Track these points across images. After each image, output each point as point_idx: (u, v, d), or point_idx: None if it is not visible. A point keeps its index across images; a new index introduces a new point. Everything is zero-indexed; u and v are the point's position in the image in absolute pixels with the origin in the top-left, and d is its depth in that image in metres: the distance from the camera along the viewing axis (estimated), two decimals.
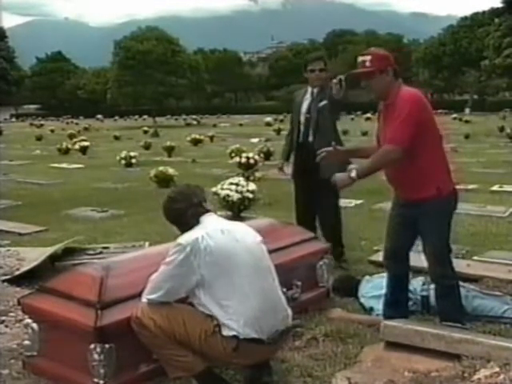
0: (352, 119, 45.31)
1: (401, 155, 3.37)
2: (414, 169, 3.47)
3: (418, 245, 5.67)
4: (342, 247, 5.33)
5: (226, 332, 2.81)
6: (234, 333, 2.80)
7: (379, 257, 5.24)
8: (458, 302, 3.68)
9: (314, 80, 5.20)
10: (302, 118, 5.27)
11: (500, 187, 9.93)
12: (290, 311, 3.10)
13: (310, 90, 5.29)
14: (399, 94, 3.45)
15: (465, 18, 78.77)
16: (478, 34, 68.43)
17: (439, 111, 64.04)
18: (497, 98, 65.22)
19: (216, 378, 3.00)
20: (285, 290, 3.76)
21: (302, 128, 5.28)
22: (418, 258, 5.26)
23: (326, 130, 5.11)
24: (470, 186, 10.04)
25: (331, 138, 4.70)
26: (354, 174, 3.40)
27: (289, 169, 5.54)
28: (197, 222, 3.03)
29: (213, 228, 2.96)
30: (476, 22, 73.53)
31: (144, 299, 2.92)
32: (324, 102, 5.09)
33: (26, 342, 3.28)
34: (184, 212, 3.08)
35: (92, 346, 2.90)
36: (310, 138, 5.20)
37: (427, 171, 3.49)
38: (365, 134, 25.76)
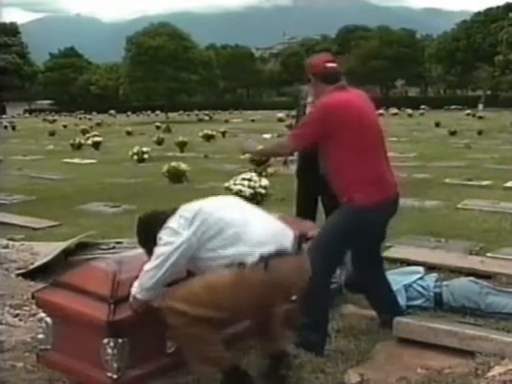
0: None
1: (289, 150, 3.76)
2: (331, 172, 3.51)
3: (430, 241, 5.65)
4: None
5: (250, 259, 2.72)
6: (258, 254, 2.72)
7: (391, 253, 5.23)
8: (320, 320, 3.51)
9: None
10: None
11: None
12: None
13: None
14: (321, 99, 3.50)
15: (478, 13, 78.14)
16: (491, 29, 67.91)
17: (452, 107, 63.91)
18: (510, 93, 64.69)
19: (244, 376, 2.93)
20: None
21: None
22: (430, 255, 5.26)
23: None
24: (484, 183, 9.99)
25: None
26: (259, 147, 3.81)
27: (293, 164, 5.50)
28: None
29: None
30: (489, 17, 72.94)
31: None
32: None
33: (40, 336, 3.30)
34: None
35: (105, 340, 2.91)
36: None
37: (341, 178, 3.43)
38: None
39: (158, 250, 2.82)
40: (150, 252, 2.92)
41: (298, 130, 3.58)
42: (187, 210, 2.95)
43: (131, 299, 2.92)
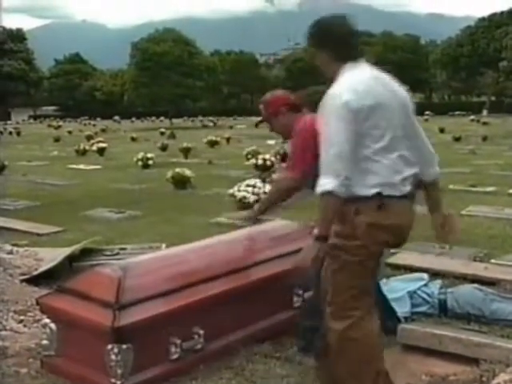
0: None
1: (295, 183, 3.49)
2: None
3: (435, 247, 5.63)
4: None
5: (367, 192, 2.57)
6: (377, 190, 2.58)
7: (396, 259, 5.23)
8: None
9: None
10: None
11: None
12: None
13: None
14: (294, 127, 3.54)
15: (482, 19, 78.08)
16: (496, 34, 67.86)
17: (457, 113, 63.76)
18: None
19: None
20: (302, 291, 3.77)
21: None
22: (435, 261, 5.25)
23: None
24: (488, 189, 9.96)
25: None
26: (256, 206, 3.61)
27: None
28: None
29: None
30: (494, 22, 72.90)
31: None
32: None
33: (44, 342, 3.30)
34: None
35: (109, 346, 2.91)
36: None
37: None
38: None
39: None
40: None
41: (292, 161, 3.54)
42: None
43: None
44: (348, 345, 2.64)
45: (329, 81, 2.74)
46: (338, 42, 2.68)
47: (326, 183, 2.47)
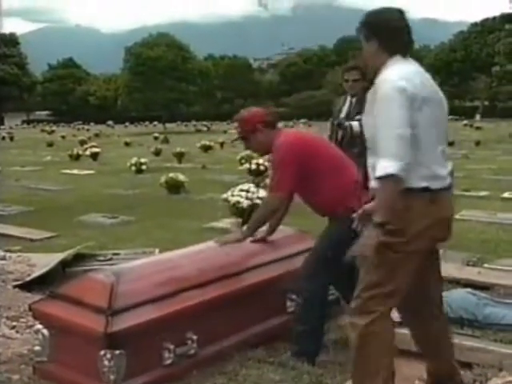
0: None
1: (280, 203, 3.53)
2: (311, 196, 3.60)
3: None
4: None
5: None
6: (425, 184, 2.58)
7: None
8: (315, 328, 3.50)
9: (349, 89, 5.19)
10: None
11: (511, 194, 9.88)
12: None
13: (349, 98, 5.25)
14: (274, 143, 3.55)
15: (475, 24, 78.54)
16: (488, 39, 68.23)
17: (450, 117, 63.91)
18: (508, 104, 64.85)
19: None
20: (295, 296, 3.77)
21: (336, 137, 5.20)
22: None
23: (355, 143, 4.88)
24: (481, 193, 10.00)
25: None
26: (239, 233, 3.58)
27: None
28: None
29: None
30: (486, 27, 73.33)
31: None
32: (360, 117, 5.05)
33: (37, 348, 3.29)
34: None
35: (102, 352, 2.90)
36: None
37: (321, 197, 3.55)
38: None
39: None
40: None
41: (275, 181, 3.54)
42: None
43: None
44: (369, 339, 2.62)
45: (373, 73, 2.72)
46: (390, 33, 2.66)
47: (387, 166, 2.40)
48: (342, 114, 5.25)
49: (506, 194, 9.86)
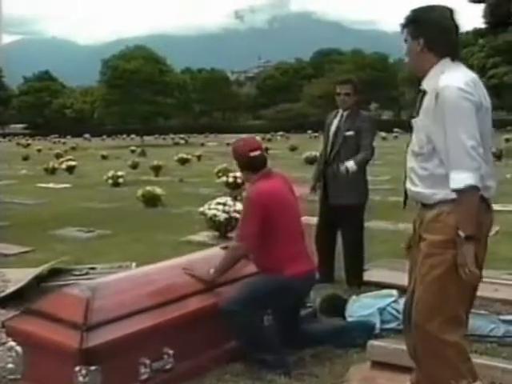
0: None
1: (244, 252, 3.61)
2: (258, 250, 3.63)
3: (405, 263, 5.66)
4: (362, 270, 5.27)
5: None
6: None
7: (366, 276, 5.26)
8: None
9: (341, 103, 5.19)
10: (329, 141, 5.23)
11: None
12: None
13: (340, 112, 5.24)
14: (247, 189, 3.73)
15: None
16: (462, 54, 69.10)
17: None
18: None
19: None
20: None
21: (328, 150, 5.26)
22: (404, 278, 5.28)
23: (347, 158, 4.97)
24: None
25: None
26: (211, 271, 3.61)
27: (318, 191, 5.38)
28: None
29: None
30: (460, 42, 74.35)
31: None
32: (351, 133, 5.07)
33: (10, 366, 3.24)
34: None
35: (77, 368, 2.87)
36: (333, 163, 5.14)
37: (270, 255, 3.61)
38: None
39: None
40: None
41: (242, 231, 3.63)
42: None
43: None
44: (454, 351, 2.59)
45: (420, 74, 2.68)
46: (439, 33, 2.57)
47: (465, 178, 2.34)
48: (333, 127, 5.26)
49: None
